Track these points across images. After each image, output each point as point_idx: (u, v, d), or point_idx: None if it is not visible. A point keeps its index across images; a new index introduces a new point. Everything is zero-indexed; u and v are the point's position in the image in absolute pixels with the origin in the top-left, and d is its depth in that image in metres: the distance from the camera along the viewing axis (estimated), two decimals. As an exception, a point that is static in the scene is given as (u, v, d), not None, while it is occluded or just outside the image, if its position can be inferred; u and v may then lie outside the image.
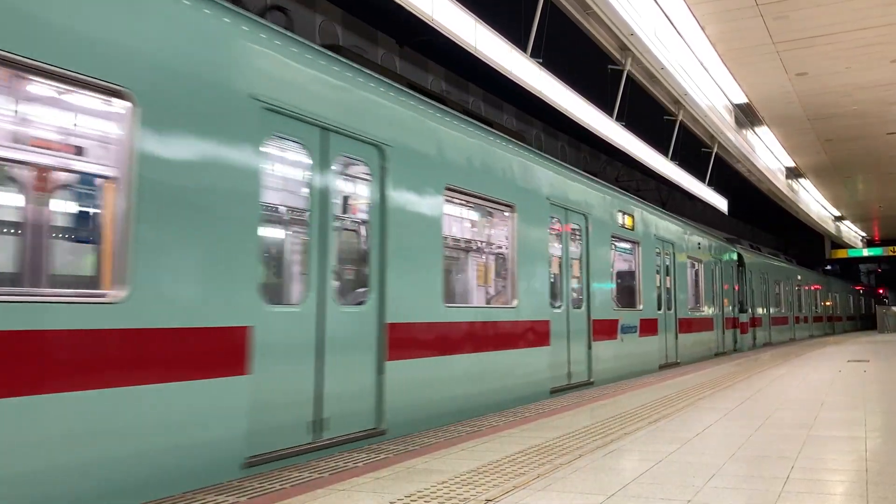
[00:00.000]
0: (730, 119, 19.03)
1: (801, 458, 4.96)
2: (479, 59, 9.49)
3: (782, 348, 20.66)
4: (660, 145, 16.96)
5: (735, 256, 19.91)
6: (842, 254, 42.90)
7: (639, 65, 14.27)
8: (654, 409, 7.51)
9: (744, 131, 20.50)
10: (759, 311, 22.64)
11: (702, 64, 15.45)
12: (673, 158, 17.87)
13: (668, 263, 13.98)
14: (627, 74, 14.13)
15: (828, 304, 37.32)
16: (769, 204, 28.35)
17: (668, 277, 13.89)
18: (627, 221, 11.95)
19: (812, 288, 32.84)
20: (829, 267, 47.30)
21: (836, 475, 4.51)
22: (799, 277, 29.92)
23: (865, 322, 49.41)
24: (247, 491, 4.20)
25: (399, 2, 7.85)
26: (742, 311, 20.18)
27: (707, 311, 16.71)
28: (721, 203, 22.25)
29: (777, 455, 5.05)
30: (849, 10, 13.03)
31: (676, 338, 14.30)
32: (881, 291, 54.56)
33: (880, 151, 23.53)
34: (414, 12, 8.09)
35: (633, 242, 12.39)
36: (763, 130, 21.15)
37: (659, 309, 13.27)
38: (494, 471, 4.62)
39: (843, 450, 5.25)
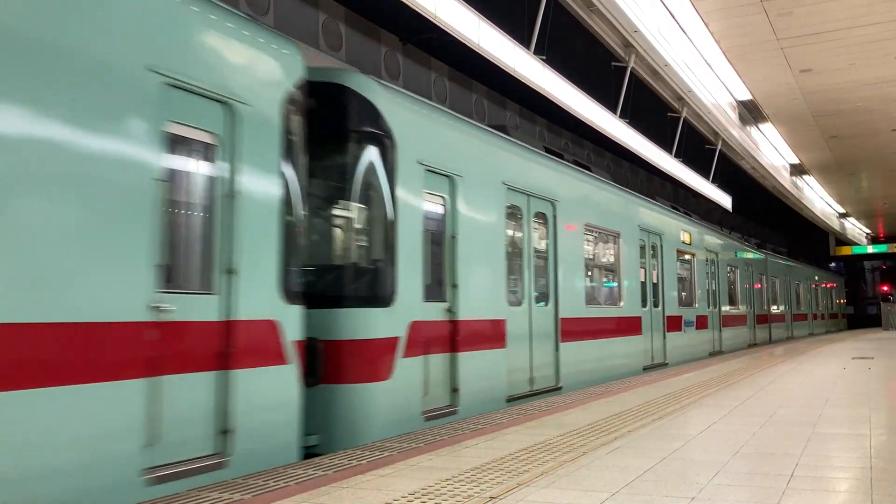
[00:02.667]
0: (734, 116, 18.98)
1: (806, 455, 4.95)
2: (483, 57, 9.49)
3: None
4: (664, 142, 16.93)
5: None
6: (846, 251, 42.82)
7: (642, 62, 14.24)
8: (658, 406, 7.50)
9: (748, 128, 20.46)
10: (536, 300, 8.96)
11: (706, 61, 15.42)
12: (677, 155, 17.83)
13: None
14: (631, 71, 14.10)
15: (767, 294, 24.07)
16: (774, 201, 28.30)
17: None
18: None
19: (728, 264, 19.18)
20: (833, 265, 47.00)
21: (840, 472, 4.51)
22: (684, 237, 15.25)
23: (839, 323, 39.91)
24: (251, 488, 4.21)
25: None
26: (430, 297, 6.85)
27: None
28: (725, 200, 22.21)
29: (781, 452, 5.05)
30: (853, 6, 12.98)
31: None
32: (886, 288, 51.54)
33: (885, 148, 23.47)
34: (417, 10, 8.08)
35: None
36: (767, 127, 21.10)
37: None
38: (498, 468, 4.62)
39: (847, 447, 5.24)
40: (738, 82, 17.07)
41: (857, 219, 39.91)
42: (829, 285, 37.70)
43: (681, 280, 15.10)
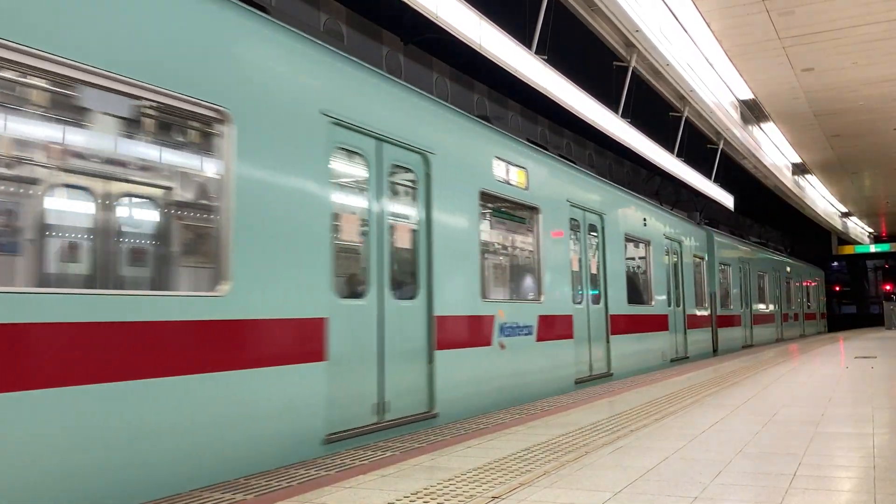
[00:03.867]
0: (736, 115, 18.98)
1: (809, 454, 4.94)
2: (484, 57, 9.48)
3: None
4: (665, 142, 16.93)
5: None
6: (848, 250, 42.80)
7: (644, 61, 14.24)
8: (661, 405, 7.50)
9: (750, 127, 20.45)
10: None
11: (707, 60, 15.42)
12: (679, 155, 17.82)
13: None
14: (633, 71, 14.10)
15: (714, 287, 17.62)
16: (776, 200, 28.29)
17: None
18: None
19: (632, 238, 12.69)
20: (835, 264, 46.82)
21: (843, 472, 4.50)
22: (508, 175, 8.42)
23: (818, 324, 32.96)
24: (252, 488, 4.21)
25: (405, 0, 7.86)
26: None
27: None
28: (728, 200, 22.19)
29: (784, 452, 5.04)
30: (855, 4, 12.98)
31: None
32: (888, 287, 50.97)
33: (887, 147, 23.46)
34: (419, 10, 8.09)
35: None
36: (769, 126, 21.09)
37: None
38: (500, 468, 4.62)
39: (850, 446, 5.23)
40: (740, 81, 17.07)
41: (860, 218, 39.89)
42: (808, 281, 30.62)
43: (499, 252, 9.25)
